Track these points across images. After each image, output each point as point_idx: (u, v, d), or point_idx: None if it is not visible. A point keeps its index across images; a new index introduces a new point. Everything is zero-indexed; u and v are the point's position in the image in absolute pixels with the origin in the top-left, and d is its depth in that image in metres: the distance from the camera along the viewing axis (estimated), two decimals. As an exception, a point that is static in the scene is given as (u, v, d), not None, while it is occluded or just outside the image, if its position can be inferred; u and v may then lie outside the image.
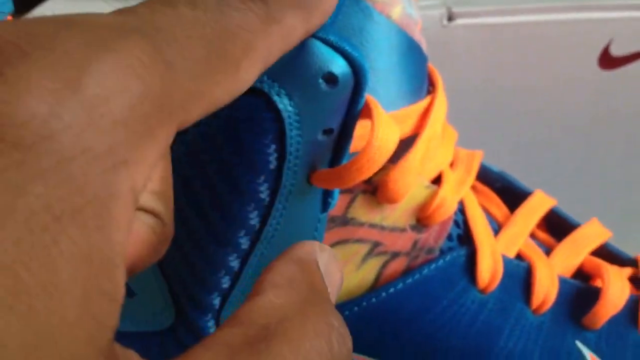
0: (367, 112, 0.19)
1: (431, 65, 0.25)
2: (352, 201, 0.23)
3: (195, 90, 0.13)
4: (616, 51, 0.34)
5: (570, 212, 0.29)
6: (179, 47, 0.13)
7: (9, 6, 0.24)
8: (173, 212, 0.16)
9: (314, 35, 0.18)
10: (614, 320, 0.24)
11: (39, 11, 0.36)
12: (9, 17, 0.24)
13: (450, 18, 0.34)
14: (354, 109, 0.20)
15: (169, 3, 0.14)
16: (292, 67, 0.18)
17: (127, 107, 0.12)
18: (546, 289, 0.24)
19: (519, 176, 0.29)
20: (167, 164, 0.15)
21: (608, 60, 0.35)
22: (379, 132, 0.19)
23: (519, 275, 0.24)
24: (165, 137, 0.13)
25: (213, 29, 0.14)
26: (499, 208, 0.27)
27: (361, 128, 0.21)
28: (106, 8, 0.38)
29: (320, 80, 0.18)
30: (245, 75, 0.15)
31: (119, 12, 0.13)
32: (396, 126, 0.19)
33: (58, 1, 0.38)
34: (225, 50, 0.14)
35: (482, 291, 0.24)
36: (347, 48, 0.18)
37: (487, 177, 0.28)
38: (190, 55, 0.13)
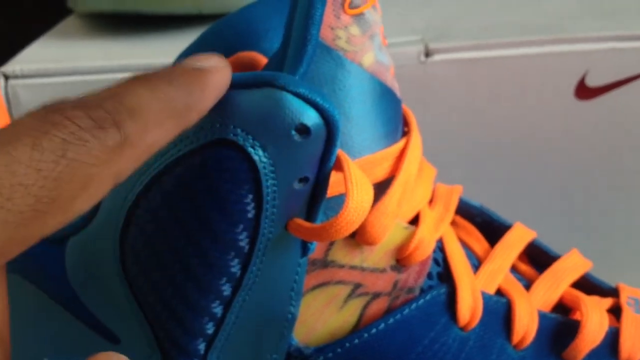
0: (340, 168, 0.20)
1: (405, 106, 0.26)
2: (331, 244, 0.23)
3: (16, 237, 0.14)
4: (592, 82, 0.35)
5: (551, 242, 0.29)
6: (3, 200, 0.13)
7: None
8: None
9: (285, 89, 0.19)
10: (594, 354, 0.24)
11: (26, 53, 0.37)
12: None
13: (428, 54, 0.34)
14: (328, 157, 0.20)
15: (9, 143, 0.14)
16: (265, 120, 0.19)
17: None
18: (526, 324, 0.24)
19: (499, 209, 0.30)
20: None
21: (584, 91, 0.35)
22: (354, 193, 0.19)
23: (499, 311, 0.24)
24: None
25: (48, 172, 0.14)
26: (479, 242, 0.27)
27: (336, 174, 0.21)
28: (95, 50, 0.38)
29: (293, 132, 0.19)
30: (81, 206, 0.15)
31: None
32: (369, 184, 0.20)
33: (44, 44, 0.39)
34: (58, 192, 0.14)
35: (463, 328, 0.24)
36: (318, 99, 0.19)
37: (467, 212, 0.29)
38: (13, 207, 0.13)
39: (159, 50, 0.36)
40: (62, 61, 0.35)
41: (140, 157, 0.16)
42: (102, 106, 0.15)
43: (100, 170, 0.15)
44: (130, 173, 0.16)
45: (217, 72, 0.18)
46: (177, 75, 0.17)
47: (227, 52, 0.29)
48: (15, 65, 0.35)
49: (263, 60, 0.28)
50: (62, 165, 0.14)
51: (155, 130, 0.16)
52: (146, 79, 0.16)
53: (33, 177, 0.13)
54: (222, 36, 0.29)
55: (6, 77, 0.35)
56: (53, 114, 0.14)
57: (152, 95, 0.16)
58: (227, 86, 0.18)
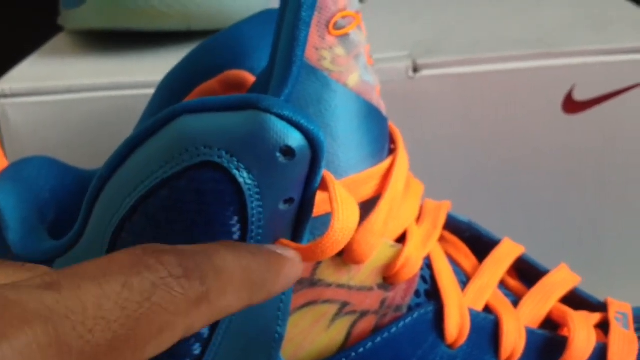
0: (325, 187, 0.20)
1: (392, 124, 0.26)
2: (318, 263, 0.23)
3: None
4: (579, 96, 0.35)
5: (540, 256, 0.29)
6: (84, 331, 0.13)
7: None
8: None
9: (270, 111, 0.19)
10: (582, 370, 0.24)
11: (15, 71, 0.37)
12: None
13: (416, 69, 0.35)
14: (313, 178, 0.20)
15: (103, 276, 0.14)
16: (250, 142, 0.19)
17: None
18: (514, 341, 0.24)
19: (487, 224, 0.30)
20: None
21: (572, 105, 0.35)
22: (339, 214, 0.19)
23: (487, 329, 0.24)
24: None
25: (132, 312, 0.14)
26: (467, 258, 0.27)
27: (321, 193, 0.21)
28: (85, 68, 0.38)
29: (278, 154, 0.19)
30: (151, 351, 0.15)
31: (42, 285, 0.14)
32: (355, 204, 0.20)
33: (34, 63, 0.39)
34: (135, 334, 0.14)
35: (451, 346, 0.24)
36: (303, 121, 0.19)
37: (455, 227, 0.29)
38: (92, 339, 0.14)
39: (150, 67, 0.37)
40: (52, 80, 0.35)
41: (212, 317, 0.16)
42: (194, 258, 0.16)
43: (177, 319, 0.15)
44: (198, 330, 0.16)
45: (294, 264, 0.19)
46: (261, 252, 0.18)
47: (215, 70, 0.29)
48: (5, 84, 0.35)
49: (251, 78, 0.28)
50: (146, 307, 0.14)
51: (232, 295, 0.17)
52: (233, 246, 0.18)
53: (117, 313, 0.14)
54: (211, 53, 0.29)
55: (-4, 96, 0.35)
56: (148, 257, 0.15)
57: (237, 261, 0.17)
58: (295, 281, 0.20)
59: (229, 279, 0.17)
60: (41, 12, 0.54)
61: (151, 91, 0.31)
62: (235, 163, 0.19)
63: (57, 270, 0.15)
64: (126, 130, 0.32)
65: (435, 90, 0.35)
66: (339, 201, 0.20)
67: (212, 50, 0.29)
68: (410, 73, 0.35)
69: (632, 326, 0.26)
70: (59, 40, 0.44)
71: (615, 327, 0.26)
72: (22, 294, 0.13)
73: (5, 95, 0.35)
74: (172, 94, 0.29)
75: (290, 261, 0.19)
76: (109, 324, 0.14)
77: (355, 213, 0.20)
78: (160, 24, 0.38)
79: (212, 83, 0.29)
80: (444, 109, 0.35)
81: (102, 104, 0.35)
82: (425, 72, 0.35)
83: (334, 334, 0.23)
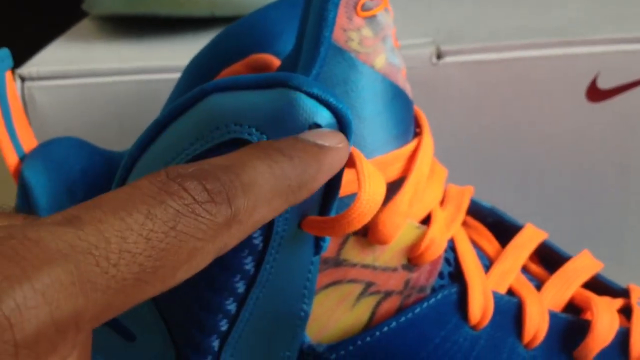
0: (352, 164, 0.20)
1: (417, 107, 0.26)
2: (344, 243, 0.24)
3: (114, 303, 0.13)
4: (603, 84, 0.35)
5: (562, 243, 0.29)
6: (109, 266, 0.13)
7: (9, 62, 0.25)
8: None
9: (299, 89, 0.19)
10: (605, 353, 0.24)
11: (42, 55, 0.37)
12: (9, 72, 0.25)
13: (439, 56, 0.35)
14: (341, 157, 0.20)
15: (124, 208, 0.14)
16: (279, 119, 0.19)
17: (34, 328, 0.12)
18: (537, 324, 0.24)
19: (510, 210, 0.30)
20: (84, 352, 0.15)
21: (596, 93, 0.35)
22: (366, 186, 0.19)
23: (510, 311, 0.25)
24: (72, 343, 0.13)
25: (157, 242, 0.14)
26: (490, 243, 0.28)
27: (349, 174, 0.21)
28: (110, 52, 0.38)
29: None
30: (181, 277, 0.15)
31: (62, 221, 0.13)
32: (382, 178, 0.20)
33: (60, 46, 0.39)
34: (163, 264, 0.14)
35: (474, 327, 0.24)
36: (331, 100, 0.19)
37: (478, 213, 0.29)
38: (118, 273, 0.13)
39: (173, 53, 0.37)
40: (78, 63, 0.36)
41: (245, 233, 0.16)
42: (219, 178, 0.15)
43: (206, 244, 0.15)
44: (233, 246, 0.16)
45: (337, 152, 0.18)
46: (298, 150, 0.17)
47: (240, 54, 0.29)
48: (31, 67, 0.35)
49: (276, 62, 0.28)
50: (171, 237, 0.14)
51: (264, 208, 0.16)
52: (266, 152, 0.17)
53: (142, 245, 0.14)
54: (235, 39, 0.30)
55: (22, 79, 0.35)
56: (171, 183, 0.15)
57: (270, 171, 0.16)
58: (342, 165, 0.18)
59: (260, 193, 0.16)
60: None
61: (175, 76, 0.32)
62: (265, 140, 0.19)
63: (79, 204, 0.14)
64: (150, 114, 0.32)
65: (458, 77, 0.35)
66: (365, 174, 0.20)
67: (238, 34, 0.30)
68: (434, 60, 0.35)
69: (654, 312, 0.26)
70: (84, 25, 0.44)
71: (638, 312, 0.26)
72: (42, 231, 0.13)
73: (32, 78, 0.35)
74: (198, 78, 0.29)
75: (333, 150, 0.18)
76: (134, 257, 0.13)
77: (382, 186, 0.20)
78: (184, 10, 0.39)
79: (237, 67, 0.29)
80: (468, 96, 0.35)
81: (126, 87, 0.35)
82: (448, 59, 0.35)
83: (359, 314, 0.24)
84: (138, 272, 0.13)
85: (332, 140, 0.18)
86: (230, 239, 0.15)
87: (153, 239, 0.14)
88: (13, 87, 0.25)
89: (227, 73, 0.29)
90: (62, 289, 0.12)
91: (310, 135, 0.18)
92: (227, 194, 0.15)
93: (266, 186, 0.16)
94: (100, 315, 0.13)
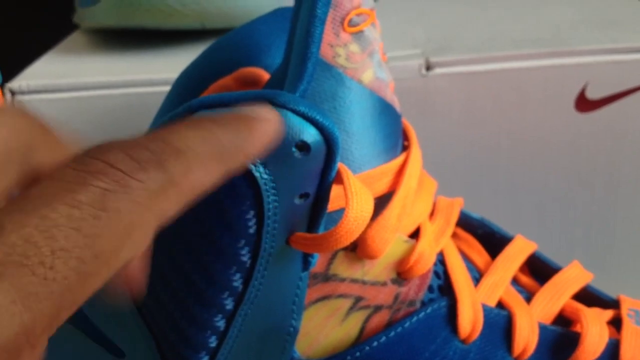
0: (340, 180, 0.20)
1: (405, 120, 0.26)
2: (333, 258, 0.24)
3: (64, 304, 0.13)
4: (592, 95, 0.35)
5: (552, 254, 0.29)
6: (45, 271, 0.12)
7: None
8: None
9: (286, 106, 0.19)
10: (594, 366, 0.24)
11: (32, 69, 0.37)
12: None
13: (429, 67, 0.35)
14: (328, 174, 0.20)
15: (47, 204, 0.13)
16: (266, 137, 0.19)
17: None
18: (527, 337, 0.24)
19: (500, 221, 0.30)
20: None
21: (585, 104, 0.35)
22: (353, 203, 0.20)
23: (500, 324, 0.25)
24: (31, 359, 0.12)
25: (89, 229, 0.13)
26: (480, 255, 0.28)
27: (336, 189, 0.21)
28: (101, 65, 0.38)
29: (294, 149, 0.19)
30: (126, 255, 0.14)
31: None
32: (370, 194, 0.20)
33: (50, 60, 0.39)
34: (103, 249, 0.13)
35: (464, 341, 0.24)
36: (318, 117, 0.19)
37: (468, 224, 0.29)
38: (57, 275, 0.12)
39: (164, 65, 0.37)
40: (68, 77, 0.36)
41: (184, 198, 0.15)
42: (147, 147, 0.14)
43: (143, 215, 0.14)
44: (174, 214, 0.15)
45: (268, 121, 0.18)
46: (227, 118, 0.17)
47: (230, 67, 0.29)
48: (22, 80, 0.35)
49: (265, 75, 0.28)
50: (104, 219, 0.13)
51: (200, 171, 0.15)
52: (195, 121, 0.16)
53: (73, 238, 0.13)
54: (225, 51, 0.30)
55: (12, 93, 0.35)
56: (93, 161, 0.14)
57: (199, 135, 0.15)
58: (277, 137, 0.18)
59: (193, 155, 0.15)
60: (57, 10, 0.54)
61: (165, 88, 0.32)
62: None
63: (1, 208, 0.13)
64: (141, 126, 0.32)
65: (448, 88, 0.35)
66: (353, 191, 0.20)
67: (227, 48, 0.30)
68: (423, 71, 0.35)
69: (644, 323, 0.27)
70: (75, 38, 0.44)
71: (628, 323, 0.26)
72: None
73: (22, 92, 0.35)
74: (187, 91, 0.29)
75: (263, 119, 0.17)
76: (68, 252, 0.12)
77: (370, 203, 0.20)
78: (174, 22, 0.39)
79: (227, 80, 0.29)
80: (457, 107, 0.35)
81: (117, 101, 0.35)
82: (438, 70, 0.35)
83: (348, 328, 0.24)
84: (77, 267, 0.12)
85: (263, 112, 0.18)
86: (170, 204, 0.14)
87: (84, 228, 0.13)
88: (1, 101, 0.25)
89: (216, 86, 0.29)
90: (1, 311, 0.11)
91: (241, 108, 0.18)
92: (158, 159, 0.14)
93: (198, 149, 0.15)
94: (53, 322, 0.13)
